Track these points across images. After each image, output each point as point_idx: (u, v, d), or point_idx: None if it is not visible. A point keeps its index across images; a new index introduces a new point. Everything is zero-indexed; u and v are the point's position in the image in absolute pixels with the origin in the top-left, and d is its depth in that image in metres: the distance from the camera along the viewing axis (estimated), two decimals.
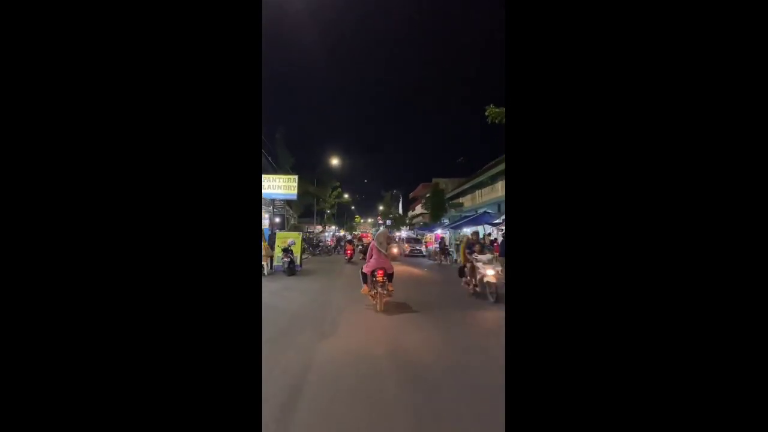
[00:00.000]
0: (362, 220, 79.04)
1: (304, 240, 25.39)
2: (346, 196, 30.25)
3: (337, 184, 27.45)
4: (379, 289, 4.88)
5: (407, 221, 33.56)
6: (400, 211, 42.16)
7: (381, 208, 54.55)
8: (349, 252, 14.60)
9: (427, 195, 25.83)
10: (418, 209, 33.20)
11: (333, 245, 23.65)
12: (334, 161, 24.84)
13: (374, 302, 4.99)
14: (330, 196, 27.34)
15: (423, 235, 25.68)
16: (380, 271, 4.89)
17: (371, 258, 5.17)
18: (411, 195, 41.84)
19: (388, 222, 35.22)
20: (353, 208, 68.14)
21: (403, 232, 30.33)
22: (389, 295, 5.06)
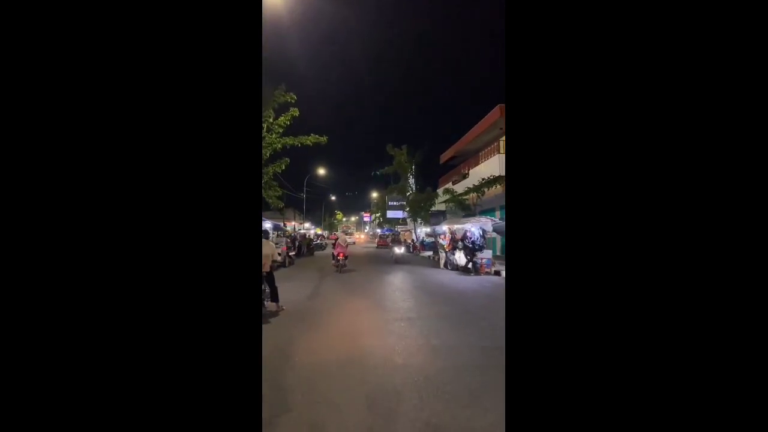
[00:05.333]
0: (345, 218, 62.35)
1: None
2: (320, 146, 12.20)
3: (289, 94, 9.36)
4: (339, 263, 10.86)
5: (463, 198, 15.65)
6: (412, 186, 23.16)
7: (375, 194, 36.51)
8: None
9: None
10: (482, 169, 15.25)
11: None
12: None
13: (336, 269, 10.92)
14: (274, 123, 9.33)
15: None
16: (341, 254, 10.87)
17: (337, 247, 11.30)
18: (444, 157, 22.21)
19: (401, 213, 23.53)
20: (333, 198, 50.56)
21: (464, 227, 12.02)
22: (345, 265, 11.03)
